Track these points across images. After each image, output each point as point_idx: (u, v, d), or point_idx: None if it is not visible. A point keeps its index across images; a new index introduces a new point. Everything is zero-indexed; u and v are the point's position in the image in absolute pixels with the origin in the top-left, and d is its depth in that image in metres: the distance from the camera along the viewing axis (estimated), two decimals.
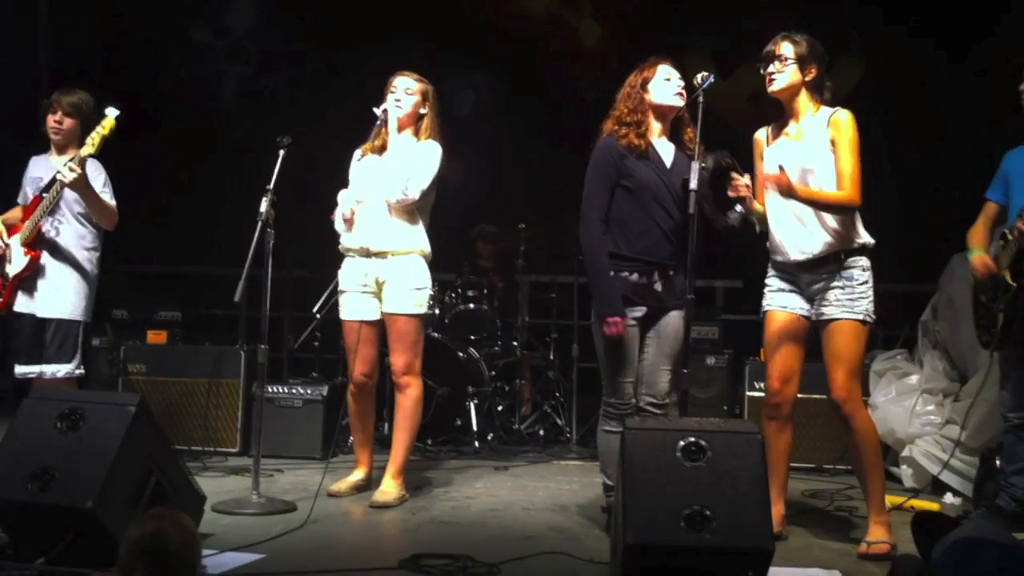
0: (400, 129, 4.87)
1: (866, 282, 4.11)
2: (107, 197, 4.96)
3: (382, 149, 4.90)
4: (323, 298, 6.28)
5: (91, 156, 4.76)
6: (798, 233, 4.15)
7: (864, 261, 4.13)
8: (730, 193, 4.15)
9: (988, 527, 3.36)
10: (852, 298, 4.08)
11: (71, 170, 4.70)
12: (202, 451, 5.90)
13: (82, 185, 4.79)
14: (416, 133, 4.93)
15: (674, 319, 4.29)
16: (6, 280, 4.94)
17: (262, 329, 4.79)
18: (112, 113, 4.73)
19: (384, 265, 4.86)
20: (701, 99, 4.16)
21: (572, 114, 8.23)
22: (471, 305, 7.12)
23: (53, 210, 4.90)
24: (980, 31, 7.74)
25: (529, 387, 7.29)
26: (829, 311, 4.11)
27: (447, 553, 3.77)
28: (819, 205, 4.07)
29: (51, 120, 5.01)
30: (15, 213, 5.13)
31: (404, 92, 4.88)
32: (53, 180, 4.86)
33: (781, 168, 4.04)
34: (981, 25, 7.73)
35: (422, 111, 4.92)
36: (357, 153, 5.01)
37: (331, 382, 6.32)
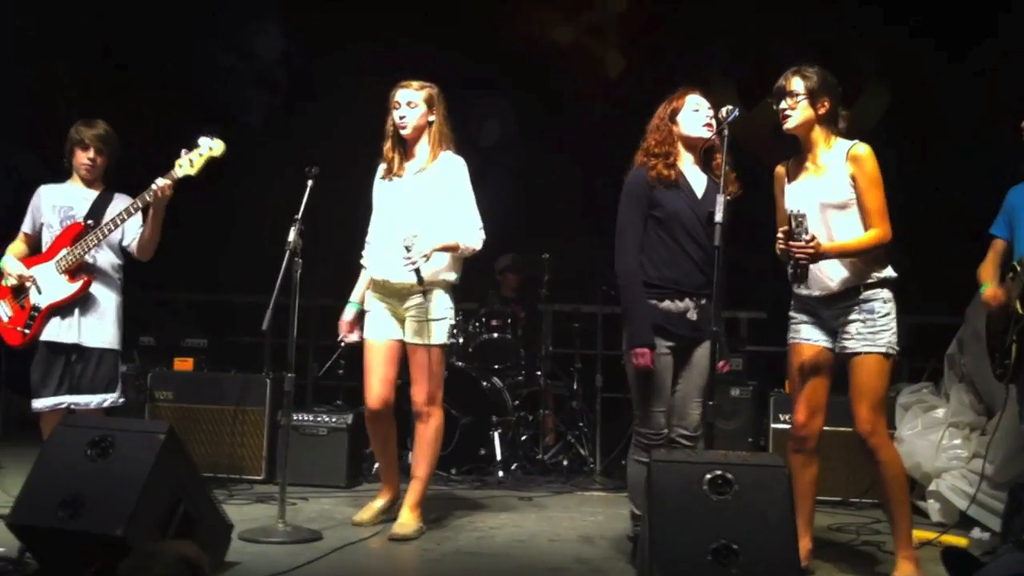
0: (413, 143, 4.88)
1: (888, 314, 4.08)
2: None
3: (397, 172, 4.88)
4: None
5: (188, 177, 4.80)
6: (816, 270, 4.14)
7: (885, 293, 4.10)
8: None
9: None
10: (874, 331, 4.06)
11: (167, 189, 4.77)
12: (227, 478, 5.93)
13: (162, 209, 4.85)
14: (428, 143, 4.89)
15: (706, 350, 4.26)
16: (35, 310, 4.87)
17: (288, 357, 4.82)
18: (218, 139, 4.82)
19: (409, 297, 4.85)
20: (727, 132, 4.17)
21: (594, 144, 8.27)
22: (495, 334, 7.15)
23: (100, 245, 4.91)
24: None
25: (553, 417, 7.29)
26: (851, 345, 4.09)
27: None
28: (854, 253, 4.06)
29: (83, 157, 5.00)
30: (21, 246, 5.07)
31: (407, 106, 4.83)
32: (96, 209, 4.92)
33: (814, 238, 4.00)
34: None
35: (430, 119, 4.88)
36: (380, 173, 4.99)
37: (356, 410, 6.34)
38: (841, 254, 4.06)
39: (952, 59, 7.85)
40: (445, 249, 4.76)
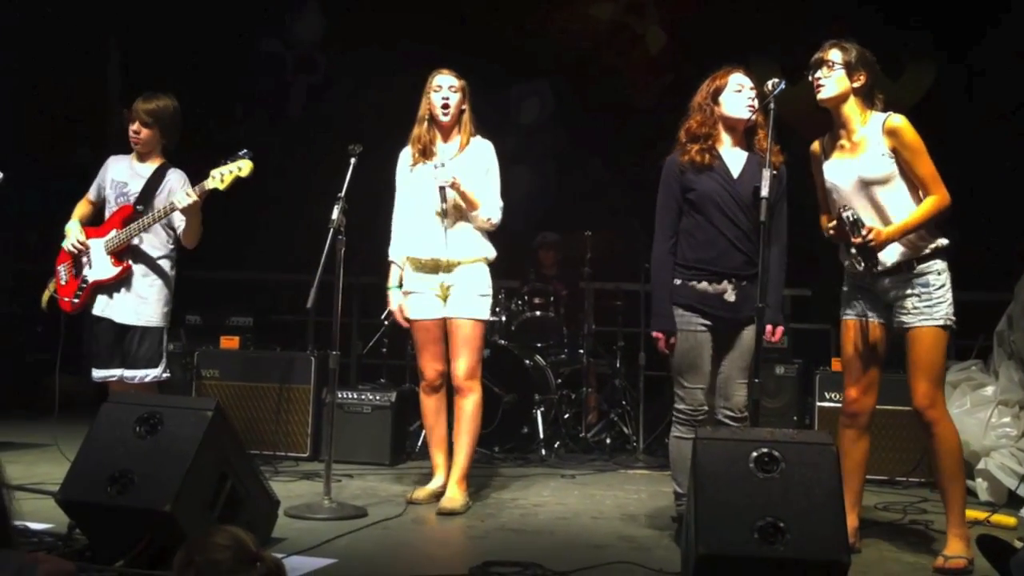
0: (448, 129, 4.99)
1: (943, 286, 4.02)
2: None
3: (431, 154, 4.95)
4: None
5: (216, 190, 4.88)
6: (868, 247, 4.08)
7: (939, 264, 4.04)
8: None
9: None
10: (930, 304, 4.00)
11: (188, 196, 4.86)
12: (273, 455, 5.98)
13: (195, 212, 4.95)
14: (460, 130, 5.01)
15: (749, 331, 4.23)
16: (84, 282, 5.03)
17: (333, 335, 4.84)
18: (248, 158, 4.89)
19: (451, 273, 4.92)
20: (772, 106, 4.11)
21: (634, 121, 8.22)
22: (537, 313, 7.14)
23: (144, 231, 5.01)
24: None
25: (595, 395, 7.29)
26: (908, 319, 4.04)
27: (517, 561, 3.78)
28: (919, 227, 3.98)
29: (131, 129, 5.15)
30: (85, 209, 5.22)
31: (449, 90, 4.94)
32: (148, 189, 5.01)
33: (871, 230, 3.93)
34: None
35: (463, 107, 5.00)
36: (406, 159, 5.07)
37: (399, 388, 6.37)
38: (904, 233, 3.99)
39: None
40: (465, 198, 4.85)
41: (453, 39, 8.20)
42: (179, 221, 5.07)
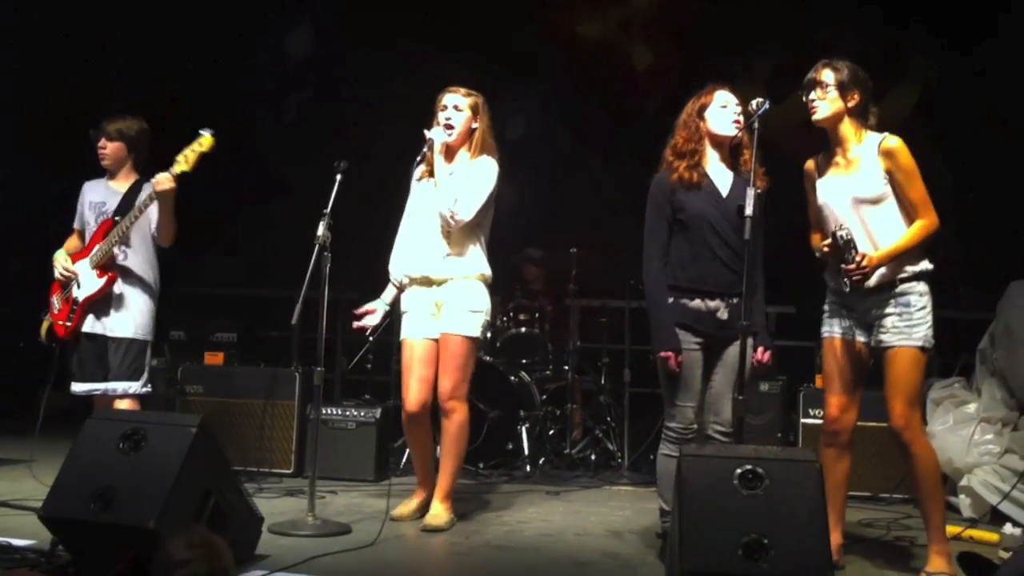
0: (455, 149, 4.91)
1: (924, 307, 4.04)
2: None
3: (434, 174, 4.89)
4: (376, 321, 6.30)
5: (184, 172, 4.88)
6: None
7: (921, 286, 4.07)
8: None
9: None
10: (910, 324, 4.02)
11: (165, 183, 4.86)
12: (257, 472, 5.96)
13: (171, 197, 4.94)
14: (470, 148, 4.92)
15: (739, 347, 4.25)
16: (75, 303, 5.06)
17: (317, 351, 4.83)
18: (208, 132, 4.89)
19: (443, 289, 4.89)
20: (756, 125, 4.14)
21: (625, 136, 8.25)
22: (523, 329, 7.15)
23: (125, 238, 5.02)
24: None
25: (580, 411, 7.29)
26: (887, 338, 4.05)
27: None
28: (908, 250, 4.01)
29: (98, 147, 5.20)
30: (74, 241, 5.28)
31: (454, 109, 4.87)
32: (125, 203, 5.04)
33: (864, 256, 3.94)
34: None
35: (474, 125, 4.90)
36: (416, 172, 5.01)
37: (384, 404, 6.36)
38: (894, 257, 4.01)
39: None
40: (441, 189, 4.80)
41: (451, 41, 8.24)
42: (154, 224, 5.08)
